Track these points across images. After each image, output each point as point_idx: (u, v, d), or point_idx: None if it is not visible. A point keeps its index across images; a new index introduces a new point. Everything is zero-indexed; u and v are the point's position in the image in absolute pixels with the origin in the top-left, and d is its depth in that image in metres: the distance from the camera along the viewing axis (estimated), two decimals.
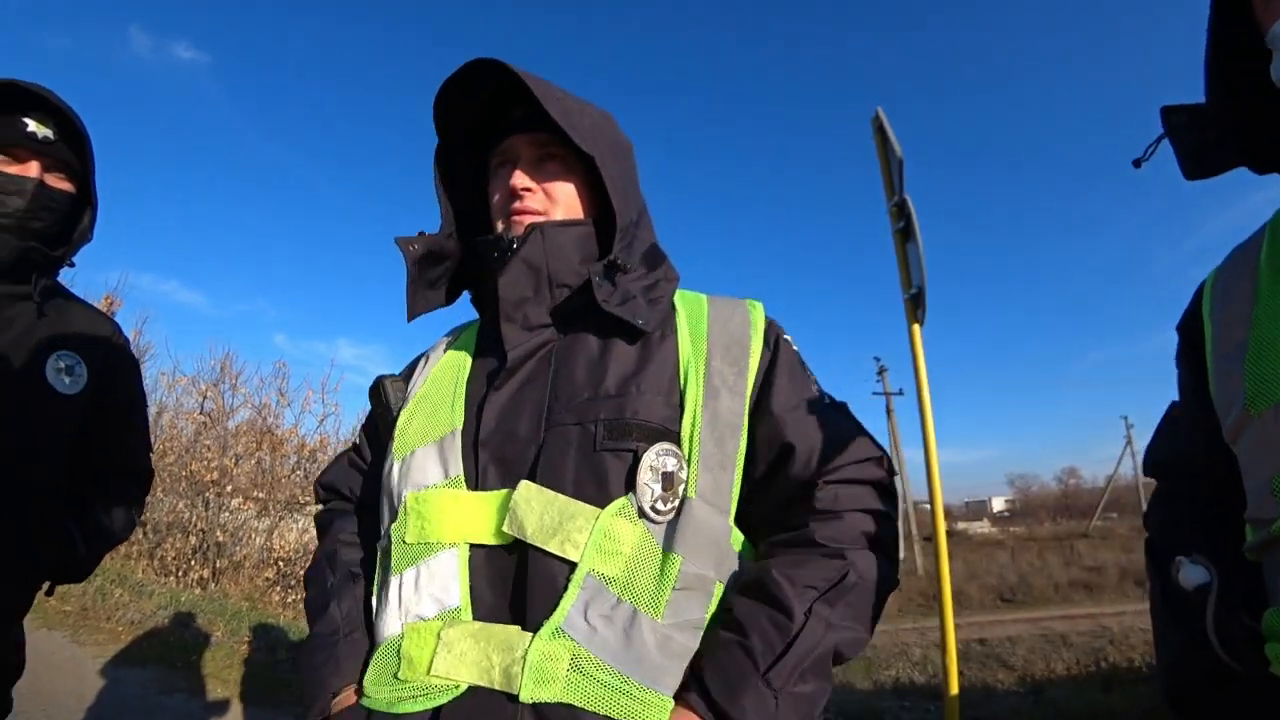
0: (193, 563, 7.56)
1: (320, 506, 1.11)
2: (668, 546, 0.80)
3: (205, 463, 8.12)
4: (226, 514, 8.17)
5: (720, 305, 0.98)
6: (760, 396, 0.90)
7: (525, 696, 0.71)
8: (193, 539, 7.77)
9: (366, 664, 0.84)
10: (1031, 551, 23.04)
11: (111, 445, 1.44)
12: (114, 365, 1.43)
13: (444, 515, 0.83)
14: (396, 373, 1.06)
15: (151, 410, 9.25)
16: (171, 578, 7.27)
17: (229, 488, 8.18)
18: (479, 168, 1.05)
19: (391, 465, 0.92)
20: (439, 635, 0.77)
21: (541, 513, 0.79)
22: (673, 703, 0.75)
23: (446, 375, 0.98)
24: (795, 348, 0.97)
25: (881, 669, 7.58)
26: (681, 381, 0.88)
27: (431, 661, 0.76)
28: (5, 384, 1.22)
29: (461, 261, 1.03)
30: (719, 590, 0.82)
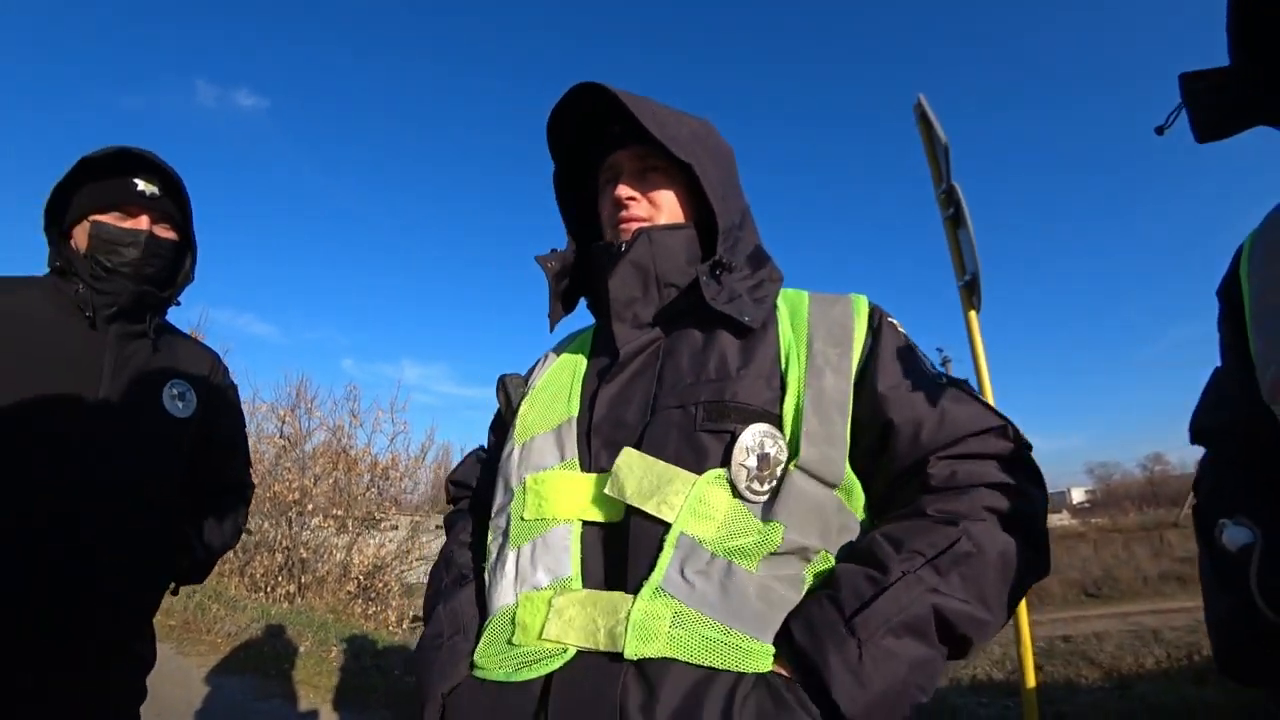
0: (279, 579, 7.96)
1: (451, 506, 1.20)
2: (767, 517, 0.82)
3: (287, 484, 8.54)
4: (308, 532, 8.57)
5: (822, 297, 1.01)
6: (863, 377, 0.91)
7: (629, 653, 0.74)
8: (279, 556, 8.19)
9: (479, 637, 0.88)
10: (1116, 543, 21.90)
11: (219, 463, 1.62)
12: (217, 391, 1.61)
13: (559, 494, 0.89)
14: (517, 372, 1.14)
15: None
16: (261, 593, 7.68)
17: (309, 507, 8.57)
18: (583, 180, 1.13)
19: (512, 450, 0.99)
20: (550, 603, 0.81)
21: (641, 476, 0.83)
22: (774, 649, 0.76)
23: (564, 371, 1.05)
24: (902, 330, 0.97)
25: (959, 665, 7.37)
26: (782, 365, 0.91)
27: (543, 627, 0.80)
28: (131, 411, 1.40)
29: (577, 270, 1.11)
30: (820, 556, 0.84)
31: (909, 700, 0.74)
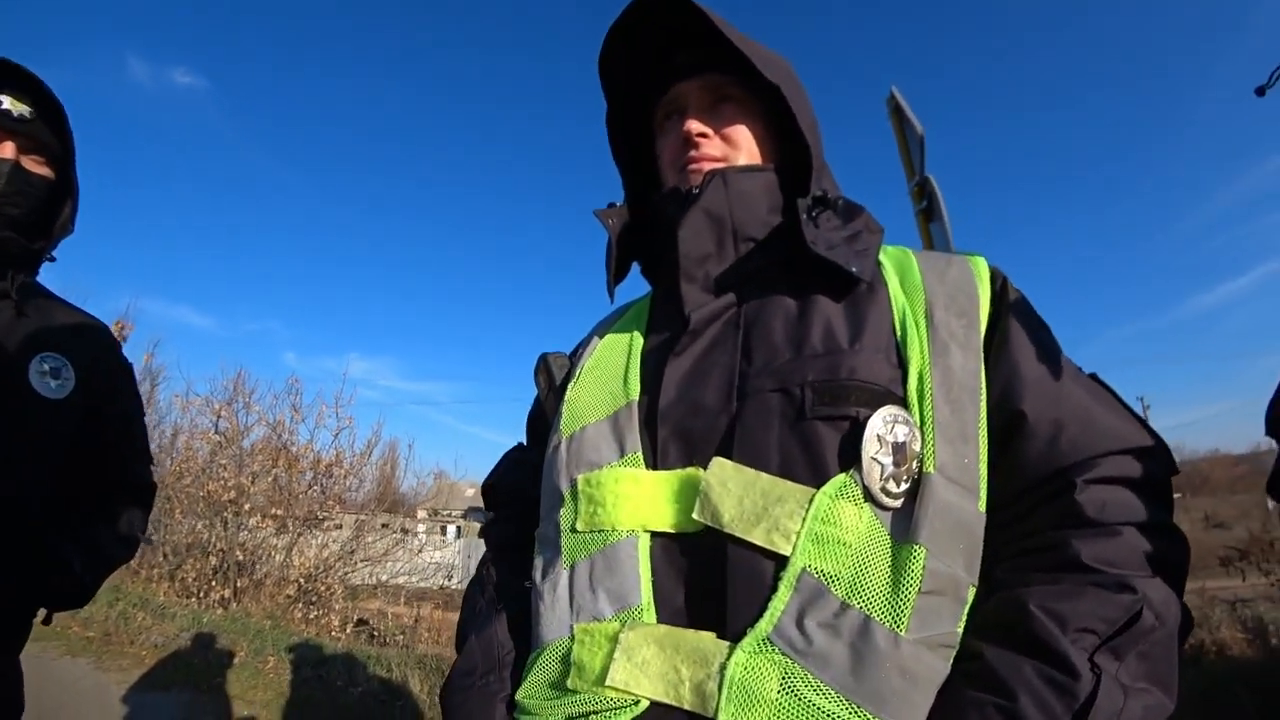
0: (213, 583, 7.53)
1: (489, 513, 1.01)
2: (906, 536, 0.64)
3: (222, 482, 8.10)
4: (245, 533, 8.16)
5: (933, 256, 0.84)
6: (988, 355, 0.73)
7: None
8: (212, 559, 7.76)
9: (518, 674, 0.75)
10: None
11: (107, 457, 1.32)
12: (105, 369, 1.31)
13: (620, 499, 0.72)
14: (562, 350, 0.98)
15: (166, 432, 9.29)
16: (193, 599, 7.26)
17: (247, 506, 8.15)
18: (637, 129, 0.97)
19: (559, 443, 0.82)
20: (616, 639, 0.65)
21: (741, 496, 0.66)
22: None
23: (617, 346, 0.88)
24: (1027, 301, 0.80)
25: None
26: (899, 336, 0.73)
27: (606, 669, 0.64)
28: None
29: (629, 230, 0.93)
30: (973, 596, 0.66)
31: None
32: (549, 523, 0.79)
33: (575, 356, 0.95)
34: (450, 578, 12.53)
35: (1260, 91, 0.86)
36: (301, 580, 8.02)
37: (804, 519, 0.64)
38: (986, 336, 0.74)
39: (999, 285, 0.79)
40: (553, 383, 0.91)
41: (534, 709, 0.69)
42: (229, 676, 4.30)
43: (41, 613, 1.26)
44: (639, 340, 0.87)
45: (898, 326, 0.74)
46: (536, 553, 0.81)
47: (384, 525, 10.40)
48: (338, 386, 14.93)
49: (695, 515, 0.67)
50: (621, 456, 0.75)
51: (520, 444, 1.02)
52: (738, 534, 0.65)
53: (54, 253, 1.27)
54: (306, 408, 9.33)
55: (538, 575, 0.78)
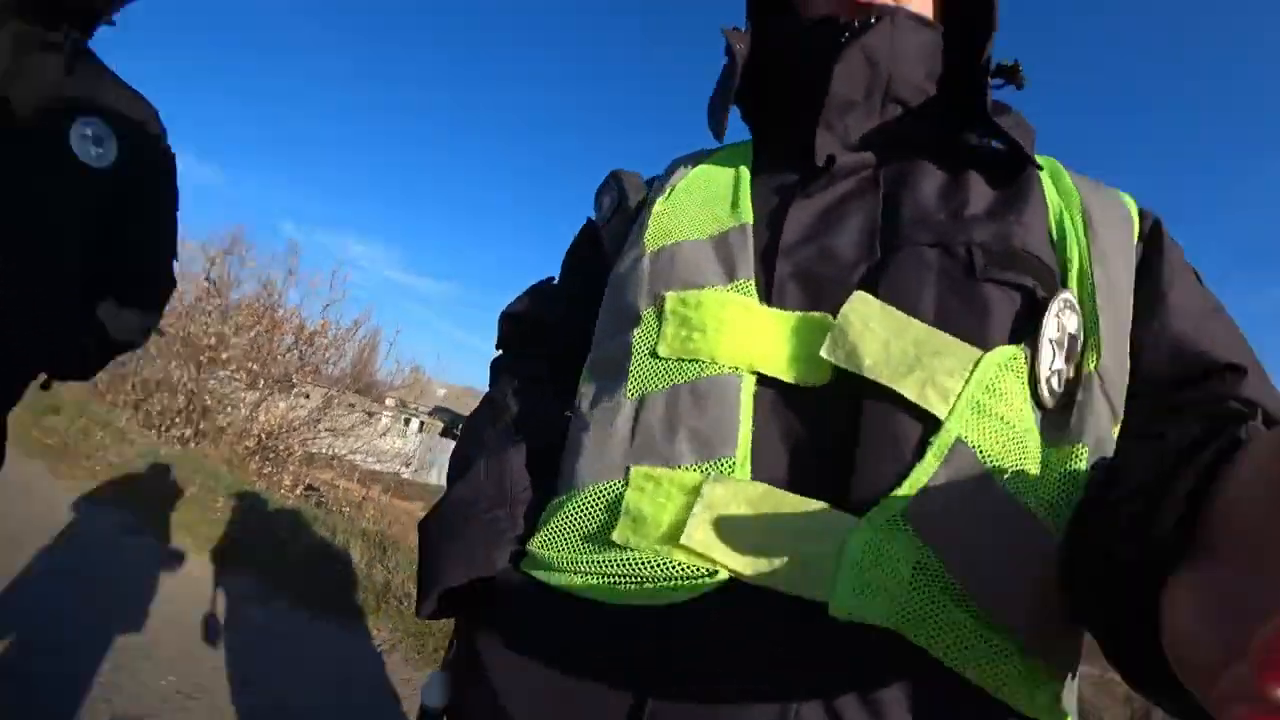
0: (177, 420, 7.73)
1: (499, 351, 0.84)
2: (1064, 437, 0.52)
3: (203, 328, 8.24)
4: (214, 381, 8.34)
5: (1081, 176, 0.69)
6: (1143, 287, 0.60)
7: (838, 608, 0.43)
8: (180, 399, 7.95)
9: (530, 528, 0.59)
10: None
11: (135, 239, 1.25)
12: (148, 150, 1.23)
13: (725, 327, 0.57)
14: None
15: None
16: (155, 432, 7.45)
17: (224, 355, 8.31)
18: None
19: (639, 258, 0.66)
20: (698, 491, 0.50)
21: (888, 339, 0.52)
22: (1060, 685, 0.47)
23: (719, 174, 0.71)
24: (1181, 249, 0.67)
25: None
26: (1054, 236, 0.60)
27: (680, 526, 0.49)
28: (22, 143, 1.04)
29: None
30: None
31: None
32: (611, 345, 0.64)
33: (654, 184, 0.77)
34: (408, 465, 12.81)
35: None
36: (263, 435, 8.25)
37: (967, 380, 0.50)
38: (1139, 259, 0.62)
39: (1149, 223, 0.66)
40: (624, 200, 0.74)
41: (556, 563, 0.53)
42: (177, 506, 4.48)
43: (41, 377, 1.23)
44: (746, 175, 0.70)
45: (1053, 226, 0.61)
46: (585, 380, 0.65)
47: (351, 405, 10.64)
48: (335, 263, 14.96)
49: (824, 353, 0.53)
50: (730, 282, 0.60)
51: (550, 277, 0.85)
52: (882, 381, 0.50)
53: (114, 17, 1.19)
54: (301, 274, 9.47)
55: (585, 403, 0.63)
